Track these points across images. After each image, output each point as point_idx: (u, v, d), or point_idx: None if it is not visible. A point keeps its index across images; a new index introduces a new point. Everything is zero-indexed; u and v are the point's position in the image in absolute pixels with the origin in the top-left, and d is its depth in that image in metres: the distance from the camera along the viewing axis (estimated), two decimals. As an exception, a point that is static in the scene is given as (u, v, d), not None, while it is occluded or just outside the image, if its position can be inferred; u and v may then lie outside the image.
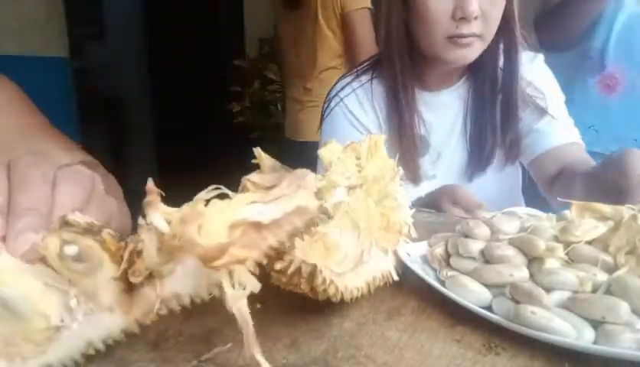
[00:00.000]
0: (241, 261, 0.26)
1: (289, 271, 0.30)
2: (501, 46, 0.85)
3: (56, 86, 2.44)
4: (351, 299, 0.34)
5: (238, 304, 0.26)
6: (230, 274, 0.26)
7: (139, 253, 0.27)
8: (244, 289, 0.26)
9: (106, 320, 0.28)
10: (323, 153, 0.44)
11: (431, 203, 0.70)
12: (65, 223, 0.28)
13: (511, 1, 0.80)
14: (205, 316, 0.35)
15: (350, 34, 1.61)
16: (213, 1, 3.13)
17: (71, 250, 0.27)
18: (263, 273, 0.28)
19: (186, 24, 3.23)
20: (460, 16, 0.74)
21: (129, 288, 0.28)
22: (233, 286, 0.27)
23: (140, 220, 0.27)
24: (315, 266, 0.30)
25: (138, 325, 0.28)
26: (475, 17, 0.75)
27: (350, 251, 0.35)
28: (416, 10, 0.79)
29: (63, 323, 0.27)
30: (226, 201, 0.27)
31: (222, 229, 0.26)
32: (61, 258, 0.27)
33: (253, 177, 0.31)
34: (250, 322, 0.26)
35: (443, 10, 0.76)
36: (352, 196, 0.37)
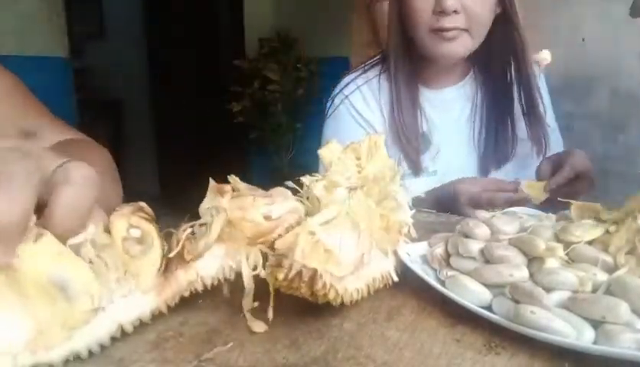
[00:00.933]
0: (268, 242, 0.34)
1: (290, 276, 0.30)
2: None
3: (56, 86, 2.44)
4: (351, 301, 0.34)
5: (248, 276, 0.33)
6: (247, 256, 0.33)
7: (192, 237, 0.33)
8: (255, 269, 0.33)
9: (140, 302, 0.31)
10: (323, 153, 0.44)
11: (445, 202, 0.72)
12: (139, 209, 0.31)
13: (512, 1, 0.81)
14: (205, 316, 0.35)
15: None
16: (213, 1, 3.13)
17: (136, 233, 0.31)
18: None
19: (186, 24, 3.22)
20: (439, 10, 0.77)
21: (164, 271, 0.32)
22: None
23: (203, 205, 0.34)
24: (315, 271, 0.30)
25: (166, 306, 0.32)
26: (455, 11, 0.77)
27: (350, 254, 0.35)
28: (404, 7, 0.82)
29: (102, 304, 0.28)
30: (250, 198, 0.35)
31: (261, 218, 0.34)
32: (125, 240, 0.30)
33: (249, 192, 0.37)
34: (252, 289, 0.33)
35: (424, 6, 0.79)
36: (353, 197, 0.37)
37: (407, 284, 0.39)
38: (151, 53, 3.60)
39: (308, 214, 0.40)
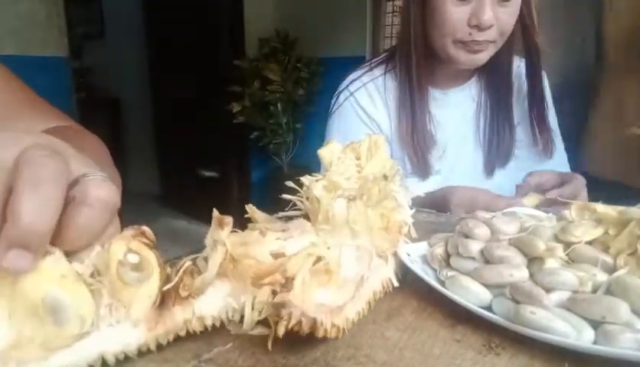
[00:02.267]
0: (276, 283, 0.30)
1: (289, 326, 0.28)
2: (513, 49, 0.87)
3: (56, 86, 2.44)
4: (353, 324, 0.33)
5: (250, 323, 0.30)
6: (254, 299, 0.30)
7: (191, 271, 0.30)
8: (260, 313, 0.30)
9: (127, 334, 0.28)
10: (323, 153, 0.44)
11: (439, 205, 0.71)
12: (140, 233, 0.29)
13: (529, 4, 0.81)
14: (205, 316, 0.35)
15: None
16: (213, 1, 3.13)
17: (133, 259, 0.28)
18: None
19: (186, 24, 3.22)
20: (475, 23, 0.77)
21: (160, 305, 0.29)
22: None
23: (207, 240, 0.31)
24: (314, 320, 0.28)
25: (156, 343, 0.29)
26: (490, 26, 0.76)
27: (351, 271, 0.34)
28: (434, 14, 0.80)
29: (89, 330, 0.26)
30: (255, 233, 0.32)
31: (267, 255, 0.31)
32: (121, 264, 0.27)
33: (266, 224, 0.35)
34: (249, 327, 0.30)
35: (460, 17, 0.78)
36: (352, 207, 0.37)
37: (407, 284, 0.39)
38: (151, 53, 3.60)
39: (308, 215, 0.40)
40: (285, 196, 0.42)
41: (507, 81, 0.89)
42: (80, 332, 0.26)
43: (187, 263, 0.30)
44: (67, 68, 2.65)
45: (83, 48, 3.86)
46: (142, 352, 0.29)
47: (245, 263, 0.30)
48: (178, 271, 0.30)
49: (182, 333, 0.30)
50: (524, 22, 0.82)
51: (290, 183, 0.41)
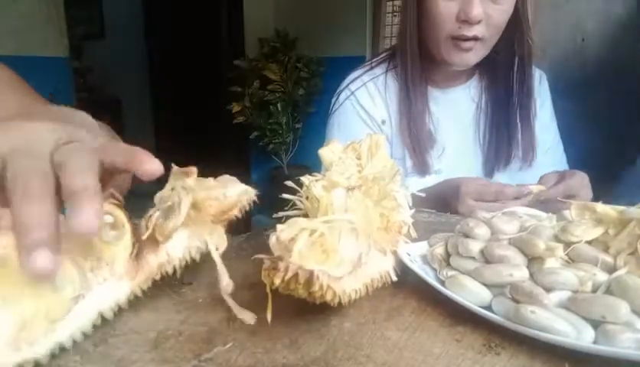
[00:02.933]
0: (228, 219, 0.37)
1: (286, 278, 0.30)
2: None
3: (56, 86, 2.44)
4: (349, 302, 0.34)
5: (216, 254, 0.34)
6: (211, 235, 0.35)
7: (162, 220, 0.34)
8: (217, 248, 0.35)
9: (116, 288, 0.31)
10: (323, 153, 0.44)
11: (441, 198, 0.71)
12: (109, 195, 0.32)
13: (524, 4, 0.81)
14: (205, 315, 0.35)
15: None
16: (213, 1, 3.13)
17: (109, 219, 0.31)
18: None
19: (186, 23, 3.23)
20: (463, 18, 0.77)
21: (136, 256, 0.33)
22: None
23: (161, 192, 0.35)
24: (311, 272, 0.30)
25: (141, 290, 0.33)
26: (478, 21, 0.76)
27: (348, 254, 0.34)
28: (427, 10, 0.81)
29: (81, 292, 0.29)
30: (210, 179, 0.37)
31: (227, 196, 0.36)
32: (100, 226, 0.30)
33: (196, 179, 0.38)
34: (222, 264, 0.34)
35: (449, 12, 0.78)
36: (351, 197, 0.37)
37: (407, 283, 0.39)
38: (151, 53, 3.60)
39: (307, 214, 0.40)
40: (285, 195, 0.42)
41: (508, 82, 0.89)
42: (75, 295, 0.29)
43: (157, 213, 0.34)
44: (67, 68, 2.65)
45: (83, 48, 3.86)
46: (132, 302, 0.33)
47: (207, 204, 0.35)
48: (148, 223, 0.33)
49: (157, 277, 0.34)
50: (518, 20, 0.82)
51: (290, 183, 0.41)
